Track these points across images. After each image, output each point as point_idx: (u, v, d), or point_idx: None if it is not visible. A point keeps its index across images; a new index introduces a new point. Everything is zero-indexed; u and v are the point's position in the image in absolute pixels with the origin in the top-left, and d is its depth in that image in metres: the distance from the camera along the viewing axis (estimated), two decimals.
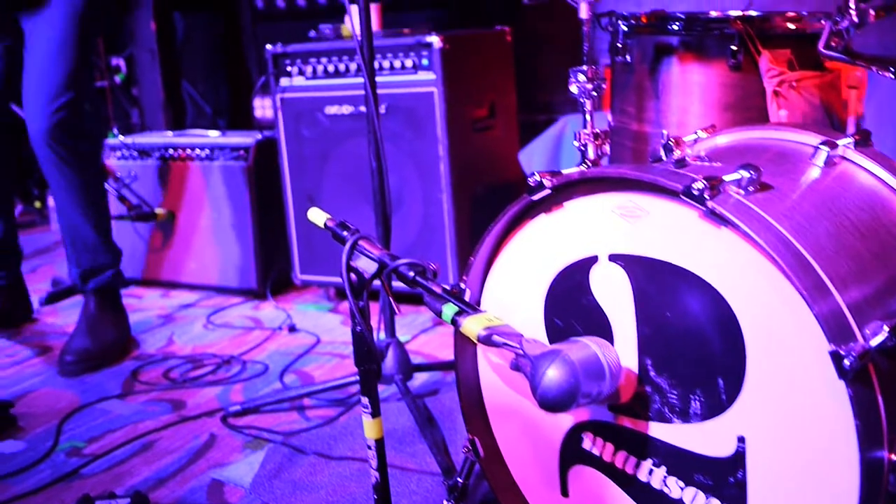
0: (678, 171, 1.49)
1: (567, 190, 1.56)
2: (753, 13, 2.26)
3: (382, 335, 2.56)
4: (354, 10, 2.39)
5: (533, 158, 3.43)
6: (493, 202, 3.38)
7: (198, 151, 3.75)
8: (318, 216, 1.67)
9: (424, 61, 3.15)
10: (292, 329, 3.25)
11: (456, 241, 3.19)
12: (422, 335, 3.11)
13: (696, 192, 1.36)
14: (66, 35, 2.87)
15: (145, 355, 3.10)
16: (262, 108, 5.12)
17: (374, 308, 2.81)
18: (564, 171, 1.58)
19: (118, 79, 5.64)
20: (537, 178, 1.56)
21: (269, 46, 3.44)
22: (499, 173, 3.47)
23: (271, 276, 3.67)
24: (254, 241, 3.63)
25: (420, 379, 2.69)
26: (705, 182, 1.36)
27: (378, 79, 3.01)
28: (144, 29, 4.98)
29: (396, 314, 2.39)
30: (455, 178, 3.18)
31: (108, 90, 5.74)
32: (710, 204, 1.35)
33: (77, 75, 2.90)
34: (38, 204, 5.56)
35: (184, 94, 5.55)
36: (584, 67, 2.00)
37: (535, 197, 1.58)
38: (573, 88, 1.99)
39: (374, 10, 3.55)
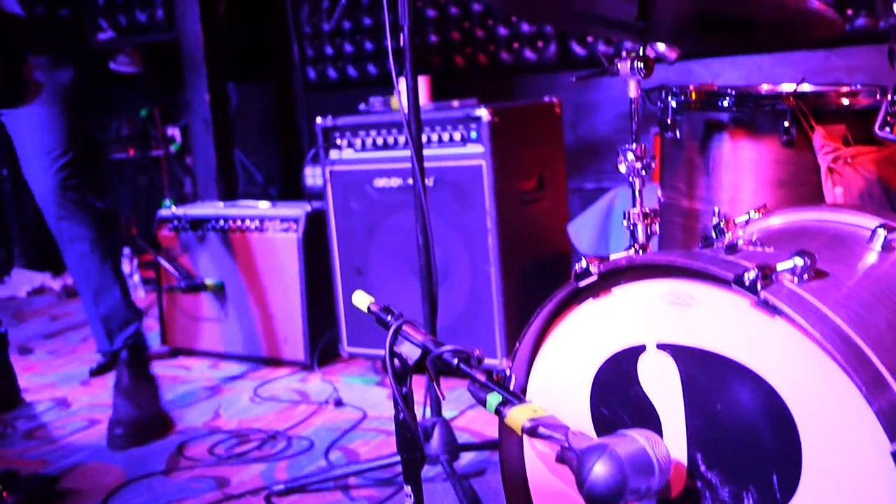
0: (729, 257, 1.45)
1: (615, 276, 1.53)
2: (806, 88, 2.22)
3: (428, 412, 2.52)
4: (403, 83, 2.40)
5: (582, 231, 3.39)
6: (542, 275, 3.34)
7: (248, 223, 3.78)
8: (362, 300, 1.65)
9: (473, 134, 3.14)
10: (338, 403, 3.22)
11: (504, 314, 3.15)
12: (469, 410, 3.06)
13: (747, 282, 1.31)
14: (54, 108, 2.97)
15: (191, 429, 3.09)
16: (313, 176, 5.16)
17: (420, 381, 2.78)
18: (612, 257, 1.55)
19: (173, 148, 5.74)
20: (584, 264, 1.53)
21: (319, 120, 3.47)
22: (547, 246, 3.44)
23: (319, 347, 3.66)
24: (302, 313, 3.63)
25: (466, 458, 2.64)
26: (757, 270, 1.32)
27: (426, 151, 3.01)
28: (199, 99, 5.06)
29: (441, 400, 2.35)
30: (503, 250, 3.16)
31: (163, 159, 5.85)
32: (762, 294, 1.30)
33: (73, 137, 3.00)
34: None
35: (236, 163, 5.62)
36: (633, 146, 1.97)
37: (582, 283, 1.54)
38: (622, 168, 1.97)
39: (423, 82, 3.58)
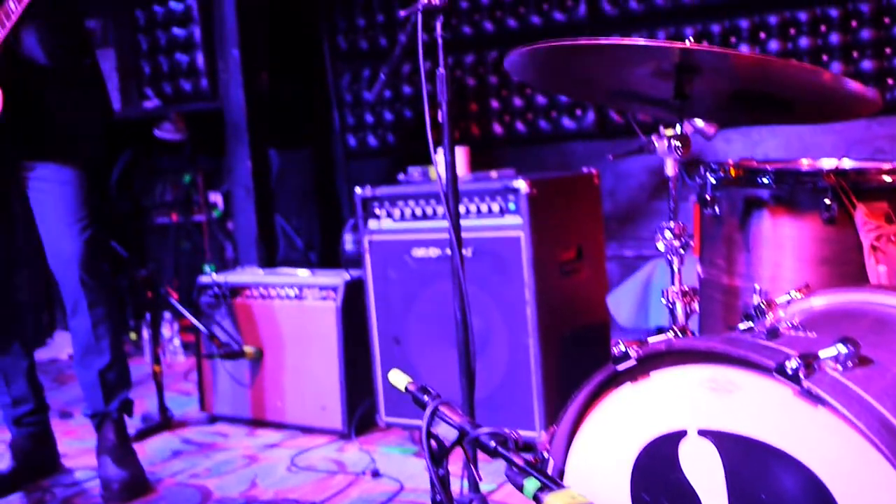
0: (771, 343, 1.43)
1: (654, 360, 1.51)
2: (847, 165, 2.21)
3: (466, 485, 2.49)
4: (441, 155, 2.42)
5: (621, 303, 3.37)
6: (581, 346, 3.32)
7: (287, 290, 3.80)
8: (399, 379, 1.65)
9: (511, 205, 3.15)
10: (375, 474, 3.20)
11: (543, 386, 3.13)
12: (508, 484, 3.02)
13: (790, 371, 1.30)
14: (79, 172, 3.03)
15: (228, 499, 3.08)
16: (353, 242, 5.20)
17: (459, 452, 2.75)
18: (651, 341, 1.54)
19: (215, 214, 5.81)
20: (622, 347, 1.52)
21: (358, 190, 3.50)
22: (586, 317, 3.42)
23: (356, 416, 3.65)
24: (340, 382, 3.63)
25: None
26: (800, 360, 1.30)
27: (464, 222, 3.03)
28: (241, 166, 5.14)
29: (479, 481, 2.32)
30: (542, 322, 3.15)
31: (205, 224, 5.92)
32: (805, 383, 1.29)
33: (93, 202, 3.06)
34: (133, 335, 5.68)
35: (277, 228, 5.68)
36: (671, 224, 1.97)
37: (621, 367, 1.53)
38: (660, 246, 1.97)
39: (461, 153, 3.61)
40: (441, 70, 2.33)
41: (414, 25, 2.36)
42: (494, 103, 4.94)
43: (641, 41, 1.83)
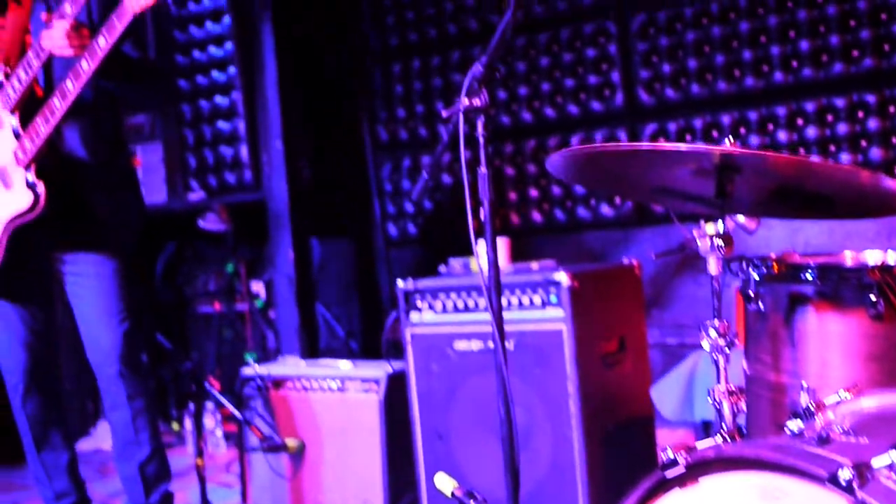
0: (821, 451, 1.41)
1: (702, 467, 1.50)
2: (892, 260, 2.20)
3: None
4: (482, 246, 2.43)
5: (666, 396, 3.34)
6: (626, 440, 3.28)
7: (329, 383, 3.80)
8: (445, 484, 1.65)
9: (553, 298, 3.16)
10: None
11: (588, 480, 3.08)
12: None
13: (843, 482, 1.28)
14: (113, 266, 3.07)
15: None
16: (394, 331, 5.21)
17: None
18: (699, 446, 1.52)
19: (257, 304, 5.86)
20: (670, 454, 1.51)
21: (400, 283, 3.53)
22: (631, 409, 3.39)
23: None
24: (383, 476, 3.60)
25: None
26: (853, 469, 1.28)
27: (506, 315, 3.01)
28: (283, 256, 5.21)
29: None
30: (585, 415, 3.12)
31: (247, 313, 5.97)
32: (859, 494, 1.27)
33: (130, 294, 3.10)
34: (175, 426, 5.70)
35: (318, 317, 5.71)
36: (716, 322, 1.96)
37: (669, 474, 1.51)
38: (705, 345, 1.96)
39: (502, 244, 3.63)
40: (483, 169, 2.36)
41: (455, 126, 2.40)
42: (533, 192, 4.98)
43: (681, 146, 1.85)
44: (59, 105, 2.82)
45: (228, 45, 5.13)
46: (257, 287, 5.97)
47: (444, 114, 2.41)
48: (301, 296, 5.23)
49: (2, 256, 2.94)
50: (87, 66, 2.77)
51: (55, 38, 2.78)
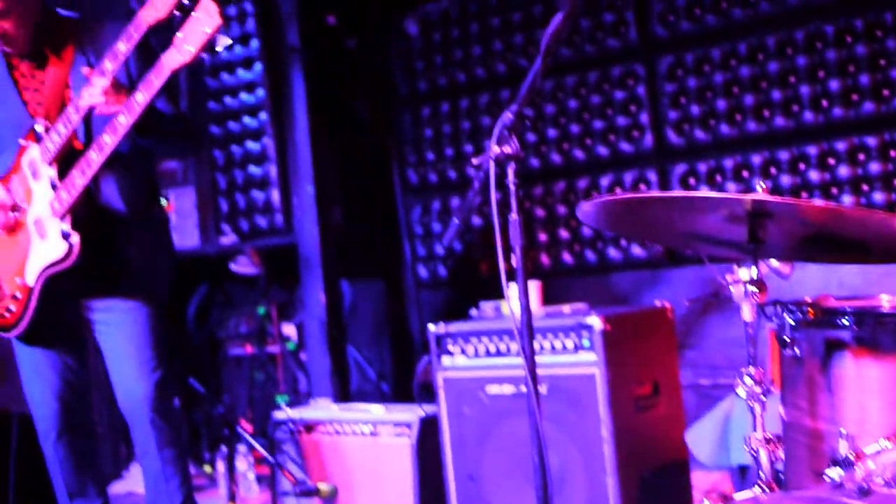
0: None
1: None
2: None
3: None
4: (513, 290, 2.42)
5: (701, 440, 3.31)
6: (661, 484, 3.25)
7: (361, 427, 3.80)
8: None
9: (585, 342, 3.15)
10: None
11: None
12: None
13: None
14: (146, 313, 3.07)
15: None
16: (423, 372, 5.21)
17: None
18: (737, 497, 1.51)
19: (289, 346, 5.88)
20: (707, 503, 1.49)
21: (431, 327, 3.53)
22: (665, 454, 3.36)
23: None
24: None
25: None
26: None
27: (538, 359, 2.99)
28: (314, 299, 5.22)
29: None
30: (620, 459, 3.09)
31: (279, 356, 5.99)
32: None
33: (163, 341, 3.10)
34: (208, 469, 5.70)
35: (349, 359, 5.72)
36: (752, 370, 1.95)
37: None
38: (740, 392, 1.94)
39: (534, 287, 3.63)
40: (514, 215, 2.37)
41: (486, 173, 2.40)
42: (564, 233, 4.97)
43: (712, 195, 1.85)
44: (95, 158, 2.86)
45: (260, 92, 5.19)
46: (289, 330, 5.99)
47: (475, 161, 2.43)
48: (332, 338, 5.24)
49: (35, 305, 2.97)
50: (124, 121, 2.81)
51: (94, 94, 2.82)
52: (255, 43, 5.19)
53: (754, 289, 1.94)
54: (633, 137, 4.75)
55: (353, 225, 5.62)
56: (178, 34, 2.75)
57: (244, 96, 5.27)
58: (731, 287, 1.98)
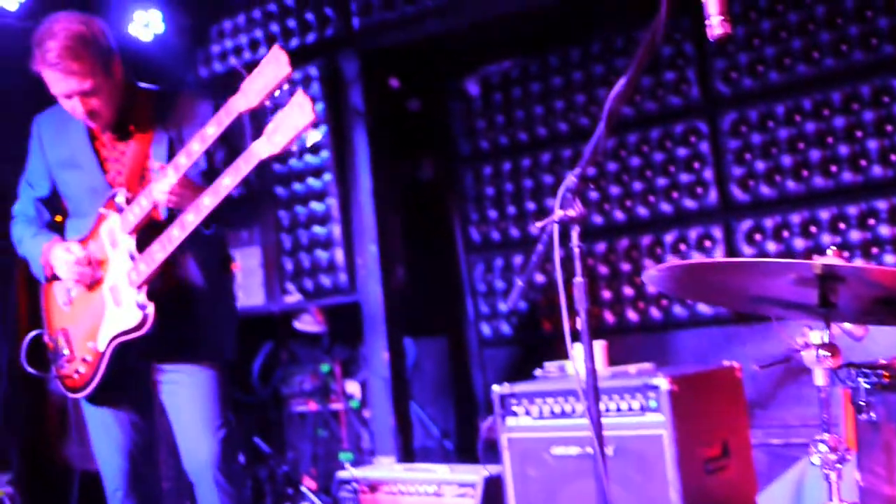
0: None
1: None
2: None
3: None
4: (579, 350, 2.41)
5: None
6: None
7: (426, 487, 3.79)
8: None
9: (652, 403, 3.11)
10: None
11: None
12: None
13: None
14: (213, 375, 3.10)
15: None
16: (488, 431, 5.17)
17: None
18: None
19: (352, 404, 5.90)
20: None
21: (496, 388, 3.52)
22: None
23: None
24: None
25: None
26: None
27: (604, 420, 2.97)
28: (377, 357, 5.24)
29: None
30: None
31: (342, 413, 6.01)
32: None
33: (227, 403, 3.12)
34: None
35: (413, 416, 5.72)
36: (826, 436, 1.91)
37: None
38: (815, 459, 1.90)
39: (599, 347, 3.60)
40: (579, 278, 2.37)
41: (550, 235, 2.41)
42: (628, 290, 4.94)
43: (780, 260, 1.83)
44: (177, 235, 2.90)
45: (325, 153, 5.28)
46: (352, 387, 6.02)
47: (539, 224, 2.44)
48: (396, 396, 5.24)
49: (104, 369, 3.02)
50: (208, 203, 2.84)
51: (162, 191, 2.87)
52: (320, 106, 5.29)
53: (826, 353, 1.91)
54: (697, 194, 4.73)
55: (416, 283, 5.65)
56: (270, 125, 2.78)
57: (309, 158, 5.36)
58: (802, 352, 1.94)
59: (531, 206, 5.27)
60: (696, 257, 4.70)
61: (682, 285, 2.23)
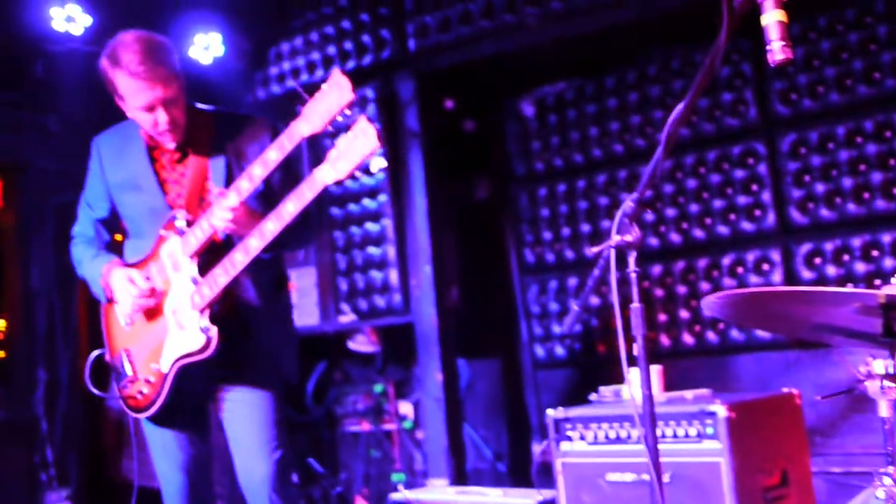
0: None
1: None
2: None
3: None
4: (635, 374, 2.38)
5: None
6: None
7: None
8: None
9: (709, 430, 3.06)
10: None
11: None
12: None
13: None
14: (270, 397, 3.09)
15: None
16: (542, 454, 5.14)
17: None
18: None
19: (405, 425, 5.90)
20: None
21: (550, 412, 3.49)
22: None
23: None
24: None
25: None
26: None
27: (660, 446, 2.95)
28: (431, 378, 5.24)
29: None
30: None
31: (395, 433, 6.02)
32: None
33: (283, 423, 3.11)
34: None
35: (465, 437, 5.70)
36: (890, 469, 1.87)
37: None
38: (880, 493, 1.86)
39: (655, 373, 3.56)
40: (636, 304, 2.34)
41: (607, 261, 2.39)
42: (684, 313, 4.89)
43: (842, 289, 1.80)
44: (240, 259, 2.89)
45: (380, 175, 5.31)
46: (405, 408, 6.02)
47: (595, 249, 2.42)
48: (449, 417, 5.24)
49: (168, 391, 3.05)
50: (272, 228, 2.84)
51: (222, 216, 2.87)
52: (375, 127, 5.33)
53: (891, 384, 1.87)
54: (755, 216, 4.67)
55: (470, 304, 5.64)
56: (333, 151, 2.76)
57: (365, 179, 5.39)
58: (865, 382, 1.90)
59: (586, 227, 5.24)
60: (754, 281, 4.64)
61: (741, 313, 2.20)
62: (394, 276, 5.34)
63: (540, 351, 5.50)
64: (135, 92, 2.93)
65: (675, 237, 4.91)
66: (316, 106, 2.78)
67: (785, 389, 3.38)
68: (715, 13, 4.59)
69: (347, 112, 2.76)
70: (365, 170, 2.65)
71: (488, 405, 5.97)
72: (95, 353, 3.23)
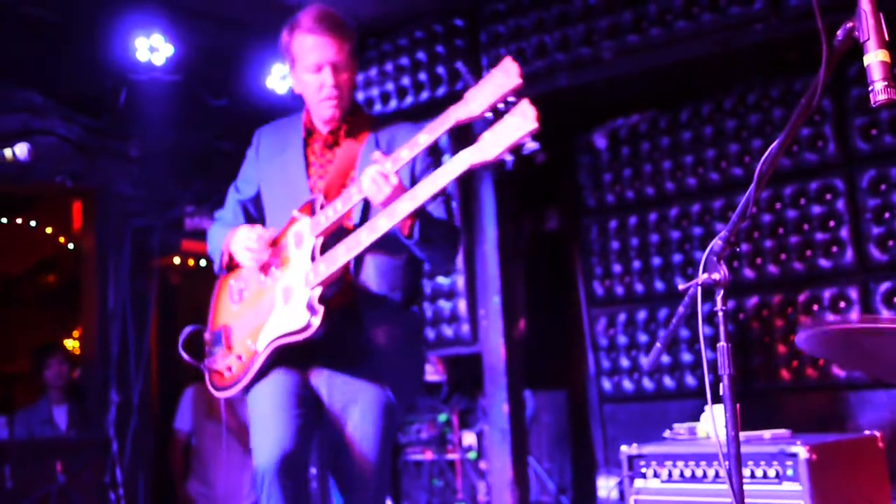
0: None
1: None
2: None
3: None
4: (718, 411, 2.35)
5: None
6: None
7: None
8: None
9: (789, 472, 3.00)
10: None
11: None
12: None
13: None
14: (385, 402, 2.96)
15: None
16: (606, 488, 5.09)
17: None
18: None
19: (469, 455, 5.88)
20: None
21: (624, 448, 3.45)
22: None
23: None
24: None
25: None
26: None
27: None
28: (497, 409, 5.23)
29: None
30: None
31: (458, 463, 6.00)
32: None
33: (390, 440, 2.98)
34: None
35: (529, 469, 5.67)
36: None
37: None
38: None
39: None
40: (723, 343, 2.32)
41: (693, 298, 2.37)
42: (757, 359, 4.81)
43: None
44: (365, 238, 2.76)
45: (453, 205, 5.33)
46: (468, 438, 6.01)
47: (681, 287, 2.40)
48: (515, 449, 5.22)
49: (255, 373, 2.91)
50: (404, 208, 2.70)
51: (373, 177, 2.74)
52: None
53: None
54: (832, 253, 4.59)
55: (537, 335, 5.62)
56: (487, 134, 2.62)
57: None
58: None
59: (657, 261, 5.20)
60: (831, 318, 4.56)
61: (834, 349, 2.16)
62: (462, 305, 5.35)
63: (607, 384, 5.45)
64: (307, 50, 2.98)
65: (749, 272, 4.85)
66: (480, 89, 2.68)
67: (867, 432, 3.32)
68: (791, 48, 4.55)
69: (511, 99, 2.63)
70: (517, 152, 2.47)
71: (553, 437, 5.93)
72: (190, 327, 3.15)
